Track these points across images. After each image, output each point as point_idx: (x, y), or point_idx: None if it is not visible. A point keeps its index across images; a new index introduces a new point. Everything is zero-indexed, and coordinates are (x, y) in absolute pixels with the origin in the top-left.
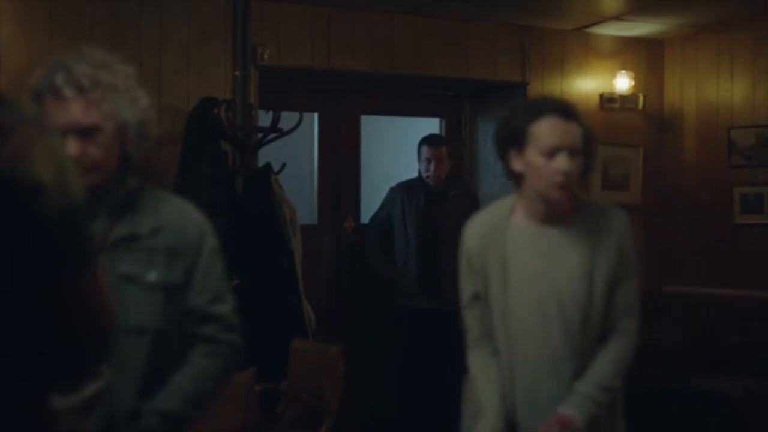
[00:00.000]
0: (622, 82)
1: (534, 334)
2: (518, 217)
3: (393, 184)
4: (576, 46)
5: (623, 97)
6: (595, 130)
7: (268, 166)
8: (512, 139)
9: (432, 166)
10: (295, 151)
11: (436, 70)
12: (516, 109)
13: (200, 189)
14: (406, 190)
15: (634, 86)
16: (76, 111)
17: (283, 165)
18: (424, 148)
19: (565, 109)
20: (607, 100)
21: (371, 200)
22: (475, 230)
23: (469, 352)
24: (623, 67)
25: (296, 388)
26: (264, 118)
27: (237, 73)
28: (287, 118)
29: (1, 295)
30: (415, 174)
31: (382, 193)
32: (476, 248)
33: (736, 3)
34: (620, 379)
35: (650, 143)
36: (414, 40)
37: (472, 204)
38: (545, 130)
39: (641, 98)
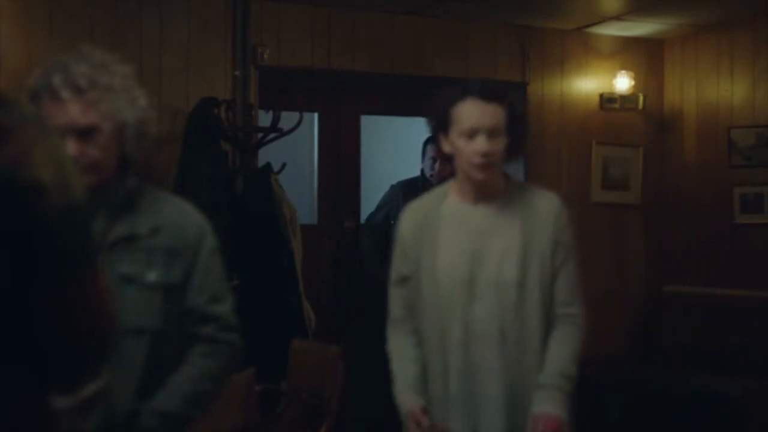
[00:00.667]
0: (622, 82)
1: (462, 313)
2: (452, 199)
3: (393, 182)
4: (576, 46)
5: (623, 97)
6: (526, 111)
7: (268, 166)
8: (439, 122)
9: (437, 165)
10: (295, 151)
11: (436, 70)
12: (441, 92)
13: (200, 189)
14: (406, 188)
15: (634, 86)
16: (73, 112)
17: (283, 165)
18: (431, 148)
19: (485, 91)
20: (607, 100)
21: (371, 200)
22: (409, 216)
23: (389, 332)
24: (623, 67)
25: (296, 388)
26: (264, 118)
27: (237, 73)
28: (287, 118)
29: (1, 296)
30: (416, 173)
31: (382, 193)
32: (410, 234)
33: (736, 3)
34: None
35: (650, 143)
36: (414, 40)
37: None
38: (464, 113)
39: (641, 98)
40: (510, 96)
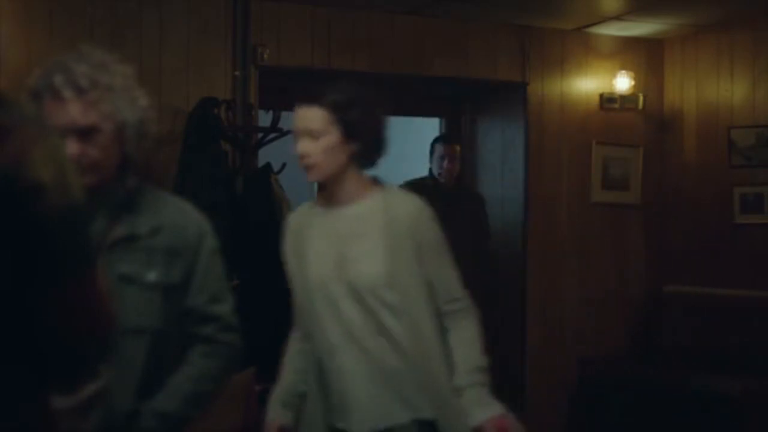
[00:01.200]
0: (622, 82)
1: (326, 316)
2: (319, 205)
3: (401, 183)
4: (576, 46)
5: (623, 97)
6: (369, 112)
7: (268, 166)
8: None
9: (446, 163)
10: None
11: (436, 70)
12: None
13: (200, 189)
14: (414, 188)
15: (634, 86)
16: (74, 111)
17: (283, 165)
18: (438, 146)
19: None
20: (607, 100)
21: None
22: (288, 227)
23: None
24: (623, 67)
25: None
26: (264, 118)
27: (237, 73)
28: (287, 118)
29: (1, 296)
30: (420, 173)
31: None
32: (289, 243)
33: (736, 3)
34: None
35: (650, 143)
36: (414, 40)
37: (481, 206)
38: (293, 118)
39: (641, 98)
40: (335, 97)
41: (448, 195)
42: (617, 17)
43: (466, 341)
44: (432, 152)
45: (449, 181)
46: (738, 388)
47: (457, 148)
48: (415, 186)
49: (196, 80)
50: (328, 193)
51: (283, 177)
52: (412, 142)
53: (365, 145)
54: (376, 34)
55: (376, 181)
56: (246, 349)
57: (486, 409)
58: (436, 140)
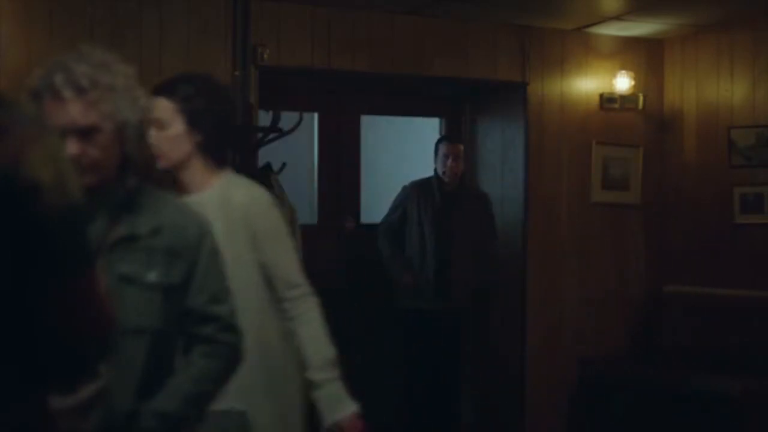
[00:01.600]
0: (622, 82)
1: None
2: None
3: (406, 183)
4: (576, 46)
5: (623, 97)
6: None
7: (268, 166)
8: None
9: (449, 162)
10: (295, 151)
11: (436, 70)
12: None
13: None
14: (421, 188)
15: (634, 86)
16: (74, 111)
17: (283, 165)
18: (443, 145)
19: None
20: (607, 100)
21: (371, 200)
22: None
23: None
24: (623, 67)
25: None
26: (264, 118)
27: (237, 73)
28: (287, 118)
29: (1, 296)
30: (420, 172)
31: (383, 193)
32: None
33: (736, 3)
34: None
35: (650, 143)
36: (414, 40)
37: (485, 205)
38: None
39: (641, 98)
40: (180, 88)
41: (452, 194)
42: (617, 17)
43: (314, 335)
44: (436, 152)
45: (453, 181)
46: (738, 388)
47: (461, 147)
48: (420, 186)
49: None
50: (177, 182)
51: (283, 177)
52: (413, 142)
53: (210, 136)
54: (376, 34)
55: (221, 170)
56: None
57: (342, 407)
58: (440, 140)
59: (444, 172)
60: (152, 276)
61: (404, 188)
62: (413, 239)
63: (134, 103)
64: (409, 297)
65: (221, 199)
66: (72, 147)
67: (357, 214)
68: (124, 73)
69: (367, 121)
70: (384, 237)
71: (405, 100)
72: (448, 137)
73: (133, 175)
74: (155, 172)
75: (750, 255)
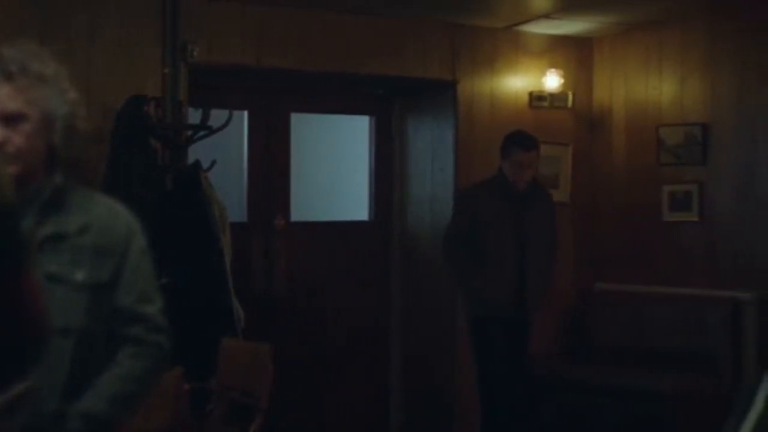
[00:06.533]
0: (552, 81)
1: None
2: None
3: (470, 184)
4: (506, 45)
5: (553, 96)
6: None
7: (197, 163)
8: None
9: (524, 170)
10: (225, 149)
11: (367, 68)
12: None
13: (129, 187)
14: (491, 191)
15: (564, 84)
16: (1, 96)
17: (213, 162)
18: (518, 151)
19: None
20: (537, 98)
21: (301, 198)
22: None
23: None
24: (553, 66)
25: (226, 387)
26: (194, 116)
27: (166, 70)
28: (217, 116)
29: None
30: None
31: (313, 191)
32: None
33: (665, 2)
34: None
35: (579, 141)
36: (344, 38)
37: (552, 207)
38: None
39: (570, 96)
40: None
41: (521, 197)
42: (547, 16)
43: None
44: (506, 155)
45: (522, 188)
46: (668, 385)
47: (535, 154)
48: (489, 188)
49: (125, 78)
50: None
51: (212, 174)
52: (343, 140)
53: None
54: (306, 32)
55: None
56: (175, 348)
57: None
58: (513, 143)
59: (515, 181)
60: (80, 275)
61: (465, 194)
62: (490, 245)
63: (63, 96)
64: (485, 306)
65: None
66: None
67: (287, 212)
68: (55, 65)
69: (297, 119)
70: (454, 246)
71: (335, 98)
72: (524, 143)
73: (60, 171)
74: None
75: (679, 252)
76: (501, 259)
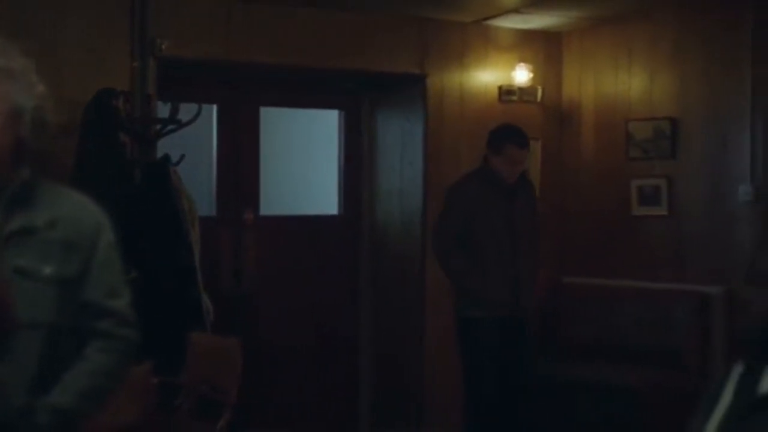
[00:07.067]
0: (521, 75)
1: None
2: None
3: (460, 175)
4: (475, 39)
5: (522, 90)
6: None
7: (166, 157)
8: None
9: (515, 167)
10: (194, 143)
11: (336, 62)
12: None
13: (98, 181)
14: (480, 184)
15: (533, 79)
16: None
17: (182, 156)
18: (513, 148)
19: None
20: (506, 92)
21: (270, 192)
22: None
23: None
24: (522, 60)
25: (194, 381)
26: (163, 110)
27: (135, 64)
28: (186, 110)
29: None
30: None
31: (282, 185)
32: None
33: None
34: None
35: (549, 136)
36: (314, 32)
37: (534, 196)
38: None
39: (540, 91)
40: None
41: (509, 190)
42: (516, 10)
43: None
44: (499, 151)
45: (512, 182)
46: (636, 379)
47: (528, 152)
48: (476, 183)
49: (94, 71)
50: None
51: (181, 168)
52: (312, 135)
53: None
54: (276, 26)
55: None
56: (144, 342)
57: None
58: (506, 139)
59: (506, 176)
60: (48, 270)
61: (455, 188)
62: (483, 241)
63: (31, 89)
64: (480, 306)
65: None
66: None
67: (256, 206)
68: (22, 59)
69: (266, 113)
70: (447, 243)
71: (304, 93)
72: (519, 140)
73: (28, 165)
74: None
75: (647, 247)
76: (496, 255)
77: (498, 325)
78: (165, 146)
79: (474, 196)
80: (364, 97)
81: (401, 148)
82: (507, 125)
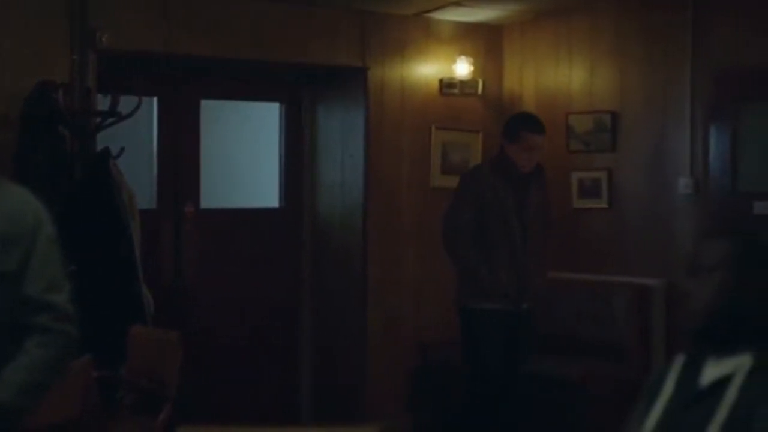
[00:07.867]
0: (462, 68)
1: None
2: None
3: (474, 166)
4: (416, 31)
5: (463, 83)
6: None
7: (106, 150)
8: None
9: (533, 154)
10: (134, 136)
11: (276, 54)
12: None
13: (37, 175)
14: (495, 174)
15: (474, 72)
16: None
17: (122, 149)
18: (529, 135)
19: None
20: (447, 85)
21: (211, 185)
22: None
23: None
24: (463, 53)
25: (135, 375)
26: (102, 103)
27: (75, 56)
28: (126, 103)
29: None
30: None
31: (223, 178)
32: None
33: None
34: None
35: (489, 128)
36: (254, 24)
37: (545, 187)
38: None
39: (480, 83)
40: None
41: (522, 180)
42: (457, 3)
43: None
44: (515, 139)
45: (529, 171)
46: (578, 372)
47: (545, 136)
48: (487, 171)
49: (32, 64)
50: None
51: (121, 161)
52: (253, 127)
53: None
54: (216, 18)
55: None
56: (84, 336)
57: None
58: (523, 127)
59: (523, 165)
60: None
61: (471, 176)
62: (495, 231)
63: None
64: (489, 298)
65: None
66: None
67: (197, 199)
68: None
69: (206, 105)
70: (459, 234)
71: (245, 85)
72: (536, 126)
73: None
74: None
75: (588, 239)
76: (505, 245)
77: (504, 317)
78: (105, 139)
79: (486, 184)
80: (305, 90)
81: (342, 141)
82: (522, 113)
